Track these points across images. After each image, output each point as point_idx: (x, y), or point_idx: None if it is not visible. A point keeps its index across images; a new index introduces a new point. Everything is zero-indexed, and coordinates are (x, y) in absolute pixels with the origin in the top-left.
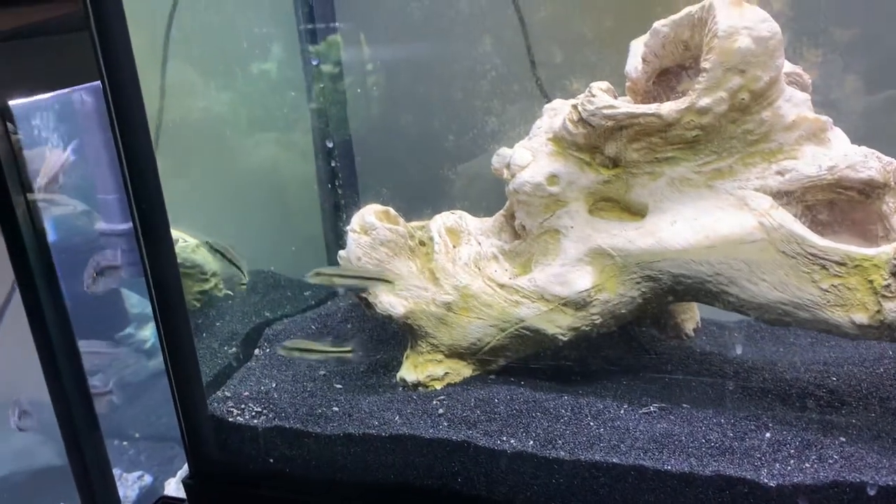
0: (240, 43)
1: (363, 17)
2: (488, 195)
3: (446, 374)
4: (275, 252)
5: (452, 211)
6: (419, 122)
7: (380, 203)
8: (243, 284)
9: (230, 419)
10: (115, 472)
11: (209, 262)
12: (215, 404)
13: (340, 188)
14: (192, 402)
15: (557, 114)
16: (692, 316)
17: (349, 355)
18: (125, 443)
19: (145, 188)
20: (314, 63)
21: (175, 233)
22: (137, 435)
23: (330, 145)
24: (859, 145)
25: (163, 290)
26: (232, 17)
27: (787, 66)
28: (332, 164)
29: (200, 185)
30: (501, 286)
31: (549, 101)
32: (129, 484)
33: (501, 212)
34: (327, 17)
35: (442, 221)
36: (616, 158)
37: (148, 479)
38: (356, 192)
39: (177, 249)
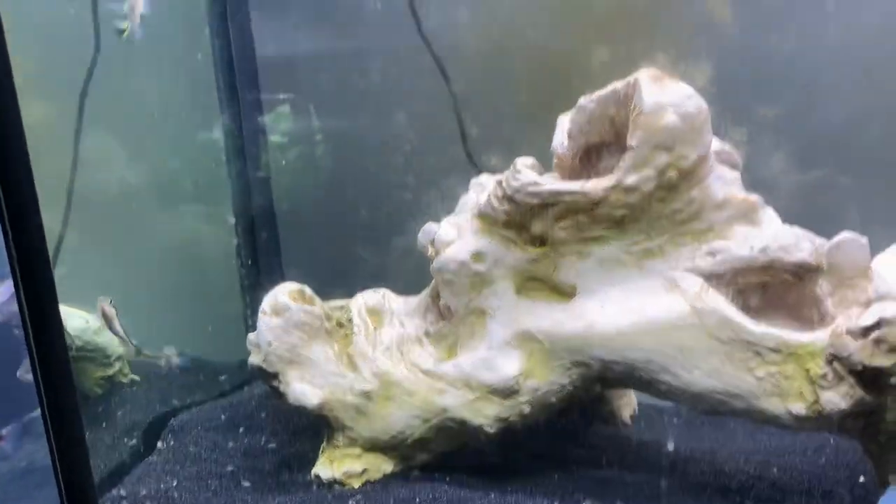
0: (158, 113)
1: (287, 88)
2: (422, 270)
3: (365, 470)
4: (191, 332)
5: (375, 289)
6: (347, 195)
7: (305, 280)
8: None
9: None
10: None
11: (113, 345)
12: None
13: (262, 264)
14: (81, 502)
15: (484, 189)
16: (629, 402)
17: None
18: None
19: (31, 256)
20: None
21: (79, 313)
22: None
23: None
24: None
25: (50, 371)
26: (151, 87)
27: (717, 144)
28: (254, 239)
29: (114, 260)
30: (425, 372)
31: (479, 173)
32: None
33: (427, 290)
34: (250, 88)
35: (363, 301)
36: (543, 236)
37: None
38: (279, 268)
39: (79, 331)
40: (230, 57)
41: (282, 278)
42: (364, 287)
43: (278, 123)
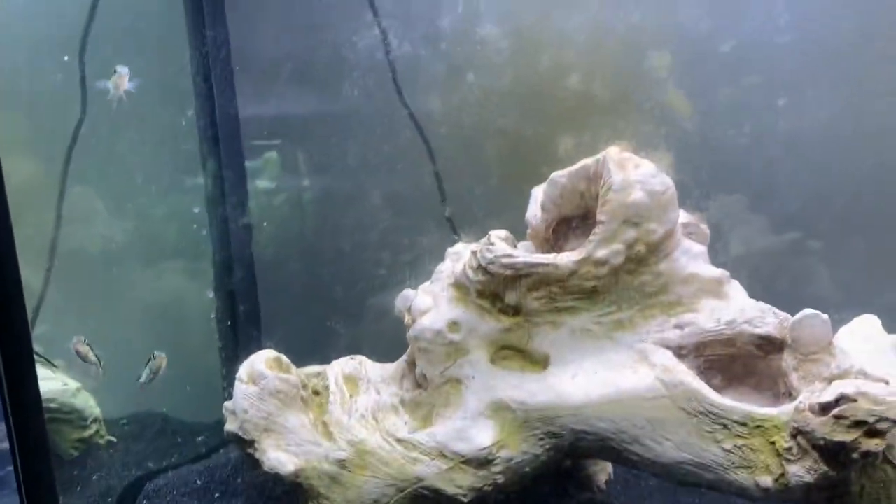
0: (141, 173)
1: (274, 146)
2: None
3: None
4: (168, 392)
5: (352, 356)
6: (327, 254)
7: (284, 343)
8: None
9: None
10: None
11: (90, 406)
12: None
13: (241, 324)
14: None
15: (460, 258)
16: (604, 467)
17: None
18: None
19: (9, 317)
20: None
21: (55, 375)
22: None
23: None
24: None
25: (25, 434)
26: (134, 147)
27: (685, 217)
28: (233, 299)
29: (94, 318)
30: (400, 441)
31: (459, 238)
32: None
33: (404, 357)
34: (236, 147)
35: (340, 368)
36: (517, 306)
37: None
38: (258, 328)
39: (56, 393)
40: (216, 132)
41: (259, 337)
42: (342, 351)
43: (263, 175)
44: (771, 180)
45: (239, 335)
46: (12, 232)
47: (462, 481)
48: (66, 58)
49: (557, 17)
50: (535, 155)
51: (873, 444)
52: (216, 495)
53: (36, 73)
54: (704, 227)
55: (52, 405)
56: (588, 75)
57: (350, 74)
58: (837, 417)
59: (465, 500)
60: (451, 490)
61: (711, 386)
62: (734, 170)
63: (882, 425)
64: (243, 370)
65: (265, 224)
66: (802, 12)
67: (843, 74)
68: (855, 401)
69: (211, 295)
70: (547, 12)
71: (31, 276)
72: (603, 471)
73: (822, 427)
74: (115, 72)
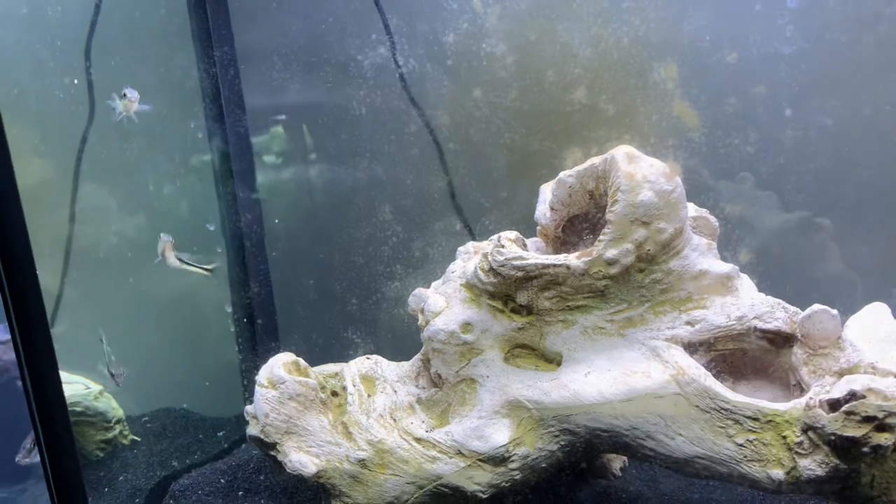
0: (153, 170)
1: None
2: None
3: None
4: (188, 387)
5: (368, 356)
6: (341, 248)
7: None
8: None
9: None
10: None
11: (113, 408)
12: None
13: (257, 317)
14: None
15: (471, 258)
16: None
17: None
18: None
19: (29, 321)
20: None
21: (78, 378)
22: None
23: (228, 309)
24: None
25: (51, 440)
26: (146, 146)
27: (694, 211)
28: (249, 292)
29: (110, 315)
30: (418, 440)
31: (472, 236)
32: None
33: (419, 355)
34: (245, 149)
35: (357, 368)
36: (529, 306)
37: None
38: (274, 322)
39: (79, 397)
40: (226, 141)
41: (276, 330)
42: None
43: (272, 148)
44: (779, 186)
45: (255, 326)
46: (28, 236)
47: (480, 478)
48: (75, 80)
49: (562, 32)
50: (543, 169)
51: (883, 439)
52: (240, 493)
53: (43, 76)
54: (713, 220)
55: (77, 409)
56: (594, 89)
57: (358, 90)
58: (848, 413)
59: (484, 496)
60: (469, 487)
61: (722, 381)
62: (738, 179)
63: (891, 420)
64: (263, 374)
65: (276, 221)
66: (806, 23)
67: (847, 83)
68: (864, 397)
69: (229, 309)
70: (552, 27)
71: (48, 276)
72: (617, 458)
73: (833, 423)
74: (124, 95)
